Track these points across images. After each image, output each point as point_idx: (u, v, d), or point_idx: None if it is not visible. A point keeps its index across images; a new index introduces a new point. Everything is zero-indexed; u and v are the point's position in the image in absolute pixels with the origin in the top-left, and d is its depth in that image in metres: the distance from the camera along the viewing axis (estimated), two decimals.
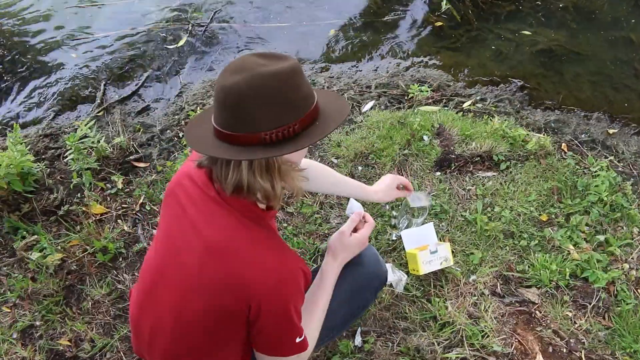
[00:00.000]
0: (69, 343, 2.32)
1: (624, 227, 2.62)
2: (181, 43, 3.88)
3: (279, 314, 1.33)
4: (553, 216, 2.64)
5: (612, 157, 2.98)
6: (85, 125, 2.79)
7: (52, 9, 4.28)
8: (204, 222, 1.34)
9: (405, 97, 3.33)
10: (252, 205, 1.37)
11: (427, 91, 3.30)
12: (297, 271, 1.34)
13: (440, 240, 2.52)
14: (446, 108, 3.25)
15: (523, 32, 3.88)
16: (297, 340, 1.39)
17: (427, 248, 2.35)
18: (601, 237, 2.54)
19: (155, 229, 2.67)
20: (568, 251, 2.49)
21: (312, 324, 1.56)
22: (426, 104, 3.25)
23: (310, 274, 1.44)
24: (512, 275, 2.42)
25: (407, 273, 2.41)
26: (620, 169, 2.94)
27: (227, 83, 1.18)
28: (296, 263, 1.36)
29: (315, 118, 1.28)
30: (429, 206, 2.55)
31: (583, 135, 3.12)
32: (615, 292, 2.38)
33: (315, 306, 1.58)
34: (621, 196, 2.69)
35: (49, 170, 2.91)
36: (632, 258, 2.51)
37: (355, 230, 1.74)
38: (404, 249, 2.47)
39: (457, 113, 3.19)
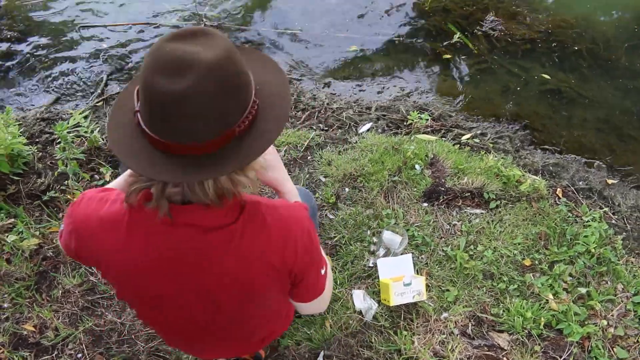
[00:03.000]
0: (33, 329, 2.33)
1: (608, 282, 2.56)
2: None
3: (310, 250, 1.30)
4: (536, 262, 2.59)
5: (607, 209, 2.92)
6: (80, 114, 2.80)
7: None
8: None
9: (404, 123, 3.30)
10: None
11: (427, 119, 3.26)
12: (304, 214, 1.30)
13: (418, 273, 2.49)
14: (444, 139, 3.21)
15: (533, 70, 3.84)
16: (322, 271, 1.38)
17: (401, 279, 2.32)
18: (583, 290, 2.48)
19: None
20: (546, 300, 2.44)
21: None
22: (424, 132, 3.21)
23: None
24: (486, 317, 2.38)
25: (379, 302, 2.38)
26: (613, 221, 2.88)
27: (167, 89, 0.97)
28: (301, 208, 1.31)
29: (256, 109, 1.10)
30: (407, 237, 2.53)
31: (581, 183, 3.06)
32: (589, 348, 2.33)
33: None
34: (610, 250, 2.63)
35: (40, 154, 2.93)
36: (612, 315, 2.45)
37: None
38: (378, 277, 2.44)
39: (453, 145, 3.14)
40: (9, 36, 3.90)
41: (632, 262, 2.66)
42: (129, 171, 1.41)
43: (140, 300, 1.34)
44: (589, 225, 2.71)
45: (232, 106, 1.04)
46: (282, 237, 1.22)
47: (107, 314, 2.38)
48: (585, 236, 2.65)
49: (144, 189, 1.11)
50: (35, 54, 3.79)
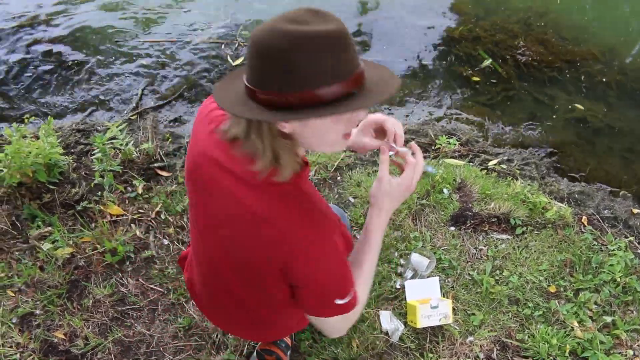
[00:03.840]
0: (63, 337, 2.36)
1: (634, 312, 2.56)
2: (237, 62, 3.92)
3: (313, 279, 1.32)
4: (562, 289, 2.60)
5: (632, 238, 2.92)
6: (117, 127, 2.86)
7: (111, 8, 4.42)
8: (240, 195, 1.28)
9: (433, 147, 3.33)
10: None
11: (455, 144, 3.30)
12: (330, 235, 1.29)
13: (444, 296, 2.50)
14: (471, 164, 3.24)
15: (560, 98, 3.86)
16: (338, 302, 1.34)
17: (428, 302, 2.34)
18: (608, 319, 2.49)
19: (166, 239, 2.71)
20: (572, 327, 2.45)
21: (360, 287, 1.45)
22: (452, 157, 3.24)
23: (351, 239, 1.40)
24: (511, 342, 2.38)
25: (405, 323, 2.39)
26: (639, 251, 2.88)
27: (256, 33, 1.09)
28: (331, 228, 1.30)
29: (352, 91, 1.11)
30: (435, 260, 2.55)
31: (606, 211, 3.07)
32: None
33: (359, 267, 1.47)
34: (636, 279, 2.64)
35: (75, 164, 2.99)
36: (638, 345, 2.44)
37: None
38: (405, 298, 2.46)
39: (481, 170, 3.17)
40: (47, 47, 4.00)
41: None
42: None
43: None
44: (615, 254, 2.72)
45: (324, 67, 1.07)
46: (292, 239, 1.25)
47: (136, 325, 2.42)
48: (611, 265, 2.66)
49: None
50: (72, 66, 3.88)
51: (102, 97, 3.64)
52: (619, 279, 2.61)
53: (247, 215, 1.27)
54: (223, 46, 4.08)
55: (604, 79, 4.02)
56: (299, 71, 1.06)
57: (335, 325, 1.48)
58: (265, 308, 1.57)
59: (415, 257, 2.52)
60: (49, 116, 2.87)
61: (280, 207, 1.25)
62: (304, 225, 1.25)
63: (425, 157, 3.25)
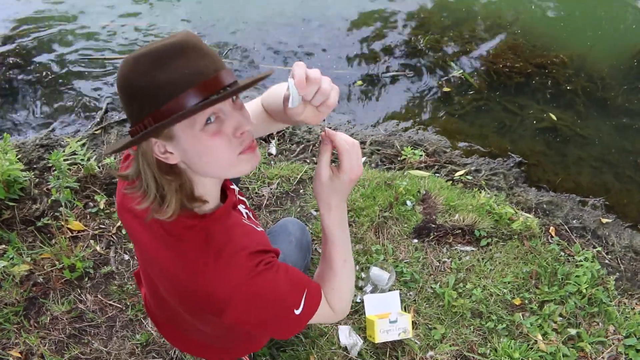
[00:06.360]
0: (19, 355, 2.33)
1: (600, 324, 2.54)
2: None
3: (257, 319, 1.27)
4: (526, 301, 2.58)
5: (600, 248, 2.90)
6: (77, 142, 2.83)
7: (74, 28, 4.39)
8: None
9: (398, 158, 3.31)
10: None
11: (421, 155, 3.28)
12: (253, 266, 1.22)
13: (405, 310, 2.48)
14: (437, 175, 3.21)
15: (530, 107, 3.85)
16: (297, 311, 1.27)
17: (387, 316, 2.31)
18: (573, 331, 2.46)
19: (127, 254, 2.68)
20: (535, 340, 2.42)
21: (336, 285, 1.41)
22: (417, 168, 3.22)
23: (279, 251, 1.34)
24: (473, 357, 2.36)
25: (365, 338, 2.37)
26: (607, 261, 2.86)
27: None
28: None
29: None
30: (395, 274, 2.52)
31: (574, 221, 3.05)
32: None
33: (329, 268, 1.40)
34: (602, 290, 2.62)
35: (37, 180, 2.96)
36: (602, 358, 2.42)
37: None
38: (365, 313, 2.43)
39: (446, 181, 3.14)
40: (11, 62, 3.97)
41: (625, 303, 2.64)
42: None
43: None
44: (581, 265, 2.70)
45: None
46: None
47: (93, 342, 2.38)
48: (577, 276, 2.64)
49: None
50: (36, 81, 3.85)
51: (66, 112, 3.61)
52: (584, 291, 2.58)
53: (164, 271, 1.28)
54: None
55: (573, 88, 4.02)
56: (140, 95, 1.03)
57: (329, 316, 1.44)
58: (218, 334, 1.55)
59: (374, 270, 2.50)
60: (5, 133, 2.82)
61: (181, 253, 1.22)
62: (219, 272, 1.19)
63: (390, 169, 3.23)
